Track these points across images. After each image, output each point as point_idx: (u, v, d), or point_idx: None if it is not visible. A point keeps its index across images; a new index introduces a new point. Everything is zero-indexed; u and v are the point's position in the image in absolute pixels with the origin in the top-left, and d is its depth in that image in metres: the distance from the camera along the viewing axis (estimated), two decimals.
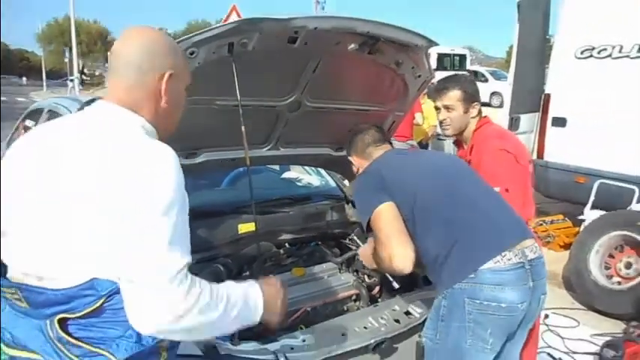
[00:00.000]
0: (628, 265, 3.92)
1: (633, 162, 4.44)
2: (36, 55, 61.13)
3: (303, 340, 1.81)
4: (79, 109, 1.38)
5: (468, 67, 17.90)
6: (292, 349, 1.77)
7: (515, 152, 2.19)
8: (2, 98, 28.73)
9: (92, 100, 1.29)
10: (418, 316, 2.02)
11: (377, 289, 2.31)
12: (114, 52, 1.24)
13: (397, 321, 1.99)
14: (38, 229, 1.10)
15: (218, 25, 1.75)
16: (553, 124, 5.16)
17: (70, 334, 1.07)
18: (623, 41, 4.59)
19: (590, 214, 4.42)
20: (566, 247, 4.83)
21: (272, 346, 1.75)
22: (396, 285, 2.15)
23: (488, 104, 16.04)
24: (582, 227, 4.39)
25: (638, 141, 4.49)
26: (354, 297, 2.23)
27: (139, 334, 1.08)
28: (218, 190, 3.03)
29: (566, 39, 4.97)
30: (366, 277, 2.37)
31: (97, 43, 49.86)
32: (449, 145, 7.51)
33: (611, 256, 4.02)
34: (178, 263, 1.06)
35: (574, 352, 3.26)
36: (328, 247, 2.58)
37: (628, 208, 4.18)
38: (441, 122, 2.39)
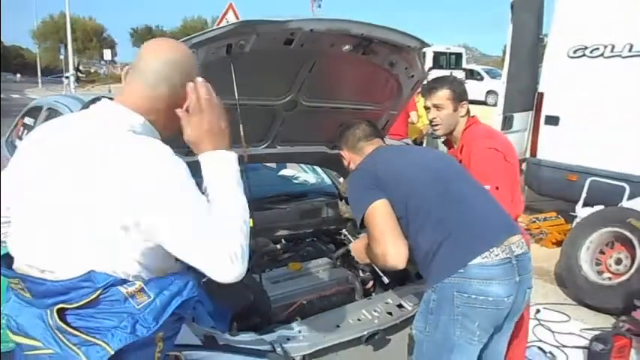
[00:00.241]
0: (618, 261, 3.99)
1: (624, 160, 4.52)
2: (31, 51, 60.78)
3: (299, 331, 1.87)
4: (84, 108, 1.43)
5: (464, 65, 17.95)
6: (288, 339, 1.83)
7: (504, 151, 2.24)
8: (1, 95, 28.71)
9: (97, 99, 1.33)
10: (410, 308, 2.08)
11: (371, 283, 2.37)
12: (145, 57, 1.27)
13: (390, 313, 2.05)
14: (41, 224, 1.16)
15: (216, 27, 1.80)
16: (546, 123, 5.24)
17: (68, 324, 1.12)
18: (615, 41, 4.67)
19: (581, 212, 4.49)
20: (559, 243, 4.90)
21: (269, 337, 1.81)
22: (386, 280, 2.21)
23: (484, 102, 16.13)
24: (574, 224, 4.47)
25: (629, 139, 4.57)
26: (348, 291, 2.29)
27: (133, 326, 1.12)
28: None
29: (558, 38, 5.05)
30: (360, 271, 2.43)
31: (93, 40, 49.66)
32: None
33: (601, 252, 4.09)
34: (215, 238, 1.11)
35: (564, 346, 3.33)
36: (324, 243, 2.64)
37: (619, 205, 4.26)
38: (431, 121, 2.45)
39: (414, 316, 1.95)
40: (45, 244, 1.15)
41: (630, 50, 4.59)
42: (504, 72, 5.15)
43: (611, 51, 4.68)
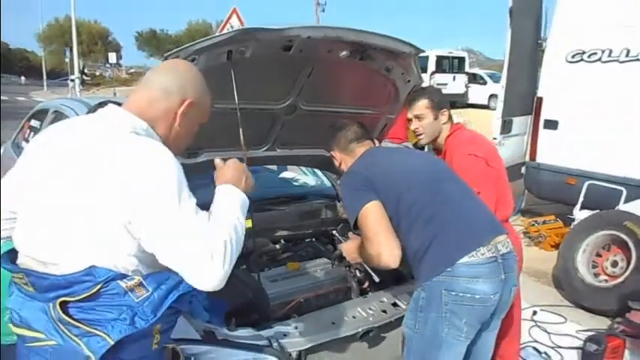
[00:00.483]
0: (614, 264, 4.03)
1: (621, 163, 4.57)
2: (36, 54, 61.25)
3: (295, 328, 1.94)
4: (90, 112, 1.50)
5: (467, 69, 17.99)
6: (285, 335, 1.89)
7: (486, 156, 2.30)
8: (4, 98, 28.90)
9: (103, 103, 1.41)
10: (405, 307, 2.14)
11: (367, 282, 2.43)
12: (154, 70, 1.44)
13: (384, 312, 2.11)
14: (46, 221, 1.23)
15: (217, 34, 1.87)
16: (545, 127, 5.29)
17: (70, 316, 1.18)
18: (613, 45, 4.72)
19: (579, 214, 4.54)
20: (557, 246, 4.93)
21: (266, 333, 1.88)
22: (376, 278, 2.27)
23: (486, 107, 16.16)
24: (571, 227, 4.52)
25: (626, 143, 4.62)
26: (345, 290, 2.35)
27: (132, 318, 1.19)
28: None
29: (557, 43, 5.10)
30: (357, 271, 2.49)
31: (98, 44, 49.83)
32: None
33: (598, 255, 4.14)
34: (204, 241, 1.16)
35: (559, 347, 3.38)
36: (322, 244, 2.70)
37: (616, 208, 4.31)
38: (414, 132, 2.51)
39: None
40: (49, 239, 1.22)
41: (627, 55, 4.65)
42: (503, 76, 5.21)
43: (609, 55, 4.73)
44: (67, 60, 31.57)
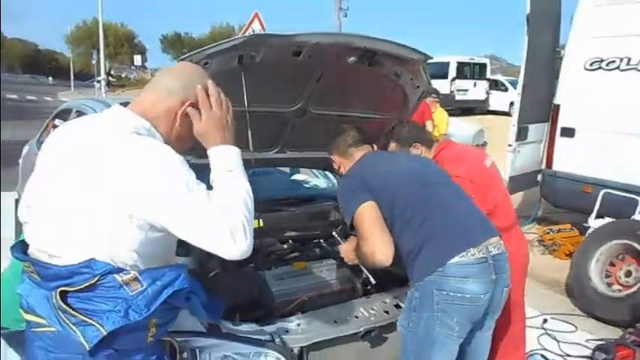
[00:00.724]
0: (628, 274, 4.00)
1: (637, 173, 4.51)
2: (65, 56, 62.72)
3: (298, 324, 1.99)
4: None
5: (488, 75, 17.84)
6: (287, 331, 1.95)
7: (468, 174, 2.31)
8: (32, 97, 29.72)
9: (125, 104, 1.48)
10: None
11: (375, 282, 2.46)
12: (160, 73, 1.50)
13: (387, 312, 2.15)
14: (53, 214, 1.30)
15: (229, 39, 1.94)
16: (562, 135, 5.25)
17: (69, 305, 1.25)
18: (631, 53, 4.67)
19: (594, 223, 4.50)
20: (572, 255, 4.90)
21: (269, 328, 1.93)
22: (372, 280, 2.30)
23: (507, 113, 16.01)
24: (585, 236, 4.48)
25: None
26: (349, 290, 2.39)
27: (126, 310, 1.25)
28: None
29: (575, 50, 5.07)
30: (363, 273, 2.53)
31: (124, 46, 50.84)
32: None
33: (612, 264, 4.10)
34: (215, 218, 1.23)
35: (568, 355, 3.36)
36: (329, 245, 2.75)
37: (631, 217, 4.26)
38: None
39: None
40: (54, 233, 1.29)
41: None
42: (519, 83, 5.19)
43: (627, 64, 4.68)
44: (94, 62, 32.28)
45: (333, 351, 2.02)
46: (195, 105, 1.41)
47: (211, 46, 1.92)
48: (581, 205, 5.00)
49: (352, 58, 2.25)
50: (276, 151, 2.71)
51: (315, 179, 3.56)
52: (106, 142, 1.28)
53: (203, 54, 1.91)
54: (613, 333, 3.72)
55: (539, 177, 5.57)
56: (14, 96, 29.68)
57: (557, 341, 3.53)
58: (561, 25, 5.41)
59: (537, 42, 5.06)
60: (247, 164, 2.16)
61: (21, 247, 1.38)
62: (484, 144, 7.94)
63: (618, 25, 4.73)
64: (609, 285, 4.04)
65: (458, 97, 16.55)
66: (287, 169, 3.57)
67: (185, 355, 1.71)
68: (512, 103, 16.01)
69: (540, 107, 5.40)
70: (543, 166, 5.53)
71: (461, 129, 7.79)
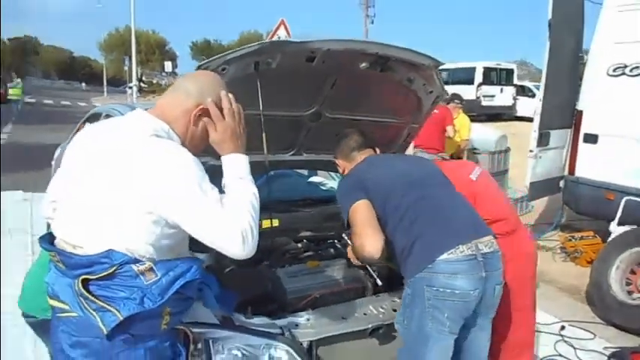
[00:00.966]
0: None
1: None
2: (98, 62, 64.54)
3: (307, 319, 2.07)
4: None
5: (515, 81, 17.63)
6: (297, 325, 2.03)
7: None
8: (66, 103, 30.70)
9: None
10: None
11: (381, 283, 2.52)
12: (182, 77, 1.65)
13: (395, 310, 2.20)
14: (78, 209, 1.42)
15: (245, 46, 2.04)
16: (585, 141, 5.19)
17: (89, 292, 1.35)
18: None
19: (616, 230, 4.45)
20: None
21: (280, 322, 2.02)
22: (379, 282, 2.37)
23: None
24: (606, 243, 4.43)
25: None
26: (360, 289, 2.45)
27: (142, 298, 1.35)
28: None
29: (598, 56, 5.01)
30: (375, 273, 2.59)
31: (155, 53, 51.95)
32: (483, 159, 7.59)
33: (632, 272, 4.06)
34: (221, 218, 1.35)
35: None
36: (343, 245, 2.82)
37: None
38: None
39: None
40: (79, 226, 1.41)
41: None
42: (541, 89, 5.17)
43: None
44: (127, 68, 33.16)
45: (342, 346, 2.09)
46: (211, 108, 1.51)
47: (228, 53, 2.02)
48: (604, 212, 4.93)
49: (364, 64, 2.32)
50: (292, 153, 2.80)
51: (331, 181, 3.64)
52: (128, 145, 1.40)
53: (221, 60, 2.01)
54: (632, 341, 3.68)
55: (561, 183, 5.51)
56: (50, 101, 30.76)
57: (574, 348, 3.51)
58: (584, 31, 5.35)
59: (559, 47, 5.04)
60: (262, 166, 2.27)
61: (48, 239, 1.51)
62: (507, 150, 7.86)
63: None
64: (629, 293, 3.99)
65: (484, 103, 16.39)
66: (305, 172, 3.66)
67: (199, 345, 1.81)
68: None
69: (563, 113, 5.35)
70: (566, 173, 5.47)
71: (483, 134, 7.73)
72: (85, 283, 1.36)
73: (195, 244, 1.51)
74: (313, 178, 3.67)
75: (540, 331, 3.65)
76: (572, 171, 5.36)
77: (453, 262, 1.81)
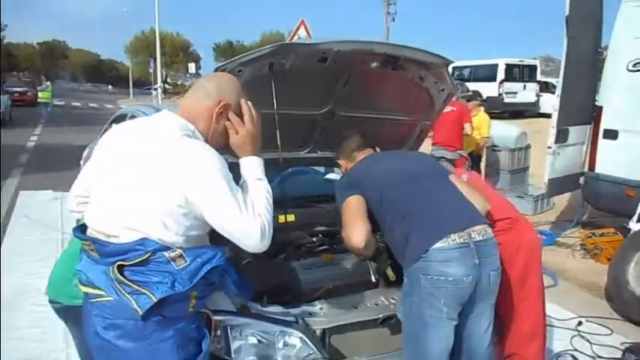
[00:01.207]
0: None
1: None
2: (124, 65, 65.85)
3: (321, 309, 2.17)
4: None
5: (539, 78, 17.35)
6: (310, 314, 2.13)
7: None
8: (93, 105, 31.44)
9: None
10: None
11: (394, 277, 2.60)
12: (202, 78, 1.78)
13: None
14: (112, 203, 1.55)
15: (260, 48, 2.15)
16: (604, 137, 5.17)
17: (125, 277, 1.47)
18: None
19: (635, 227, 4.42)
20: None
21: (294, 311, 2.12)
22: (373, 279, 2.45)
23: None
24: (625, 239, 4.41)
25: None
26: (372, 282, 2.54)
27: (173, 282, 1.47)
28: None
29: (618, 52, 4.99)
30: (388, 266, 2.67)
31: (180, 55, 52.64)
32: (504, 156, 7.57)
33: None
34: (244, 215, 1.48)
35: (599, 357, 3.35)
36: None
37: None
38: None
39: None
40: (114, 217, 1.53)
41: None
42: (558, 85, 5.15)
43: None
44: (152, 70, 33.75)
45: (353, 335, 2.18)
46: (230, 106, 1.65)
47: (244, 55, 2.13)
48: (624, 209, 4.90)
49: (375, 64, 2.40)
50: (307, 150, 2.90)
51: None
52: (162, 143, 1.53)
53: (237, 62, 2.12)
54: None
55: (581, 180, 5.48)
56: (78, 104, 31.56)
57: (591, 343, 3.52)
58: (604, 26, 5.31)
59: (578, 43, 5.01)
60: (277, 162, 2.38)
61: (80, 229, 1.64)
62: (527, 147, 7.82)
63: None
64: None
65: (506, 100, 16.17)
66: (322, 169, 3.76)
67: (219, 332, 1.93)
68: None
69: (582, 109, 5.33)
70: (586, 169, 5.45)
71: (503, 131, 7.71)
72: (120, 269, 1.47)
73: (213, 239, 1.64)
74: (329, 175, 3.75)
75: (553, 326, 3.69)
76: (592, 167, 5.34)
77: (445, 250, 1.89)
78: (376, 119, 2.84)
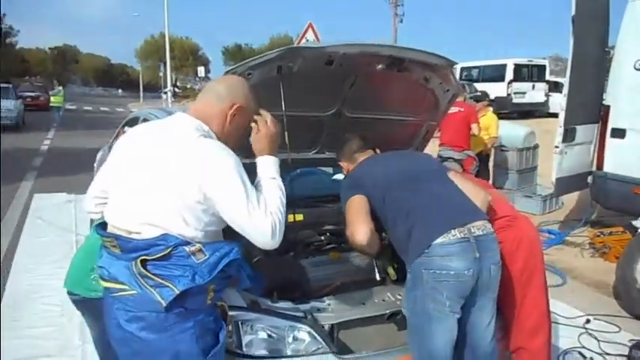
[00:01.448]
0: None
1: None
2: (135, 69, 66.47)
3: (329, 305, 2.24)
4: None
5: (547, 77, 17.28)
6: (319, 310, 2.19)
7: None
8: (105, 109, 31.77)
9: None
10: None
11: (395, 277, 2.65)
12: (213, 81, 1.85)
13: None
14: (133, 201, 1.62)
15: (268, 52, 2.22)
16: (612, 136, 5.15)
17: (148, 271, 1.54)
18: None
19: None
20: None
21: (303, 307, 2.18)
22: (377, 277, 2.49)
23: None
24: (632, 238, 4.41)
25: None
26: (379, 279, 2.59)
27: (193, 275, 1.54)
28: None
29: (625, 50, 4.97)
30: (394, 265, 2.72)
31: (189, 58, 53.03)
32: (512, 156, 7.58)
33: None
34: (257, 212, 1.55)
35: (606, 354, 3.38)
36: None
37: None
38: None
39: None
40: (136, 214, 1.61)
41: None
42: (565, 85, 5.16)
43: None
44: (161, 74, 34.07)
45: (361, 330, 2.24)
46: (242, 108, 1.73)
47: (252, 59, 2.20)
48: (632, 207, 4.90)
49: (380, 66, 2.46)
50: (315, 151, 2.97)
51: None
52: (181, 143, 1.61)
53: (246, 66, 2.19)
54: None
55: (589, 179, 5.49)
56: (90, 108, 31.92)
57: (598, 340, 3.54)
58: (611, 25, 5.31)
59: (584, 43, 5.02)
60: (285, 163, 2.46)
61: (101, 226, 1.72)
62: (535, 146, 7.82)
63: None
64: None
65: (515, 100, 16.14)
66: (330, 170, 3.82)
67: (230, 327, 1.99)
68: None
69: (589, 108, 5.33)
70: (594, 168, 5.45)
71: (511, 131, 7.72)
72: (144, 263, 1.55)
73: (227, 237, 1.71)
74: (337, 176, 3.82)
75: (561, 323, 3.72)
76: (599, 166, 5.33)
77: (446, 245, 1.94)
78: (382, 120, 2.90)
